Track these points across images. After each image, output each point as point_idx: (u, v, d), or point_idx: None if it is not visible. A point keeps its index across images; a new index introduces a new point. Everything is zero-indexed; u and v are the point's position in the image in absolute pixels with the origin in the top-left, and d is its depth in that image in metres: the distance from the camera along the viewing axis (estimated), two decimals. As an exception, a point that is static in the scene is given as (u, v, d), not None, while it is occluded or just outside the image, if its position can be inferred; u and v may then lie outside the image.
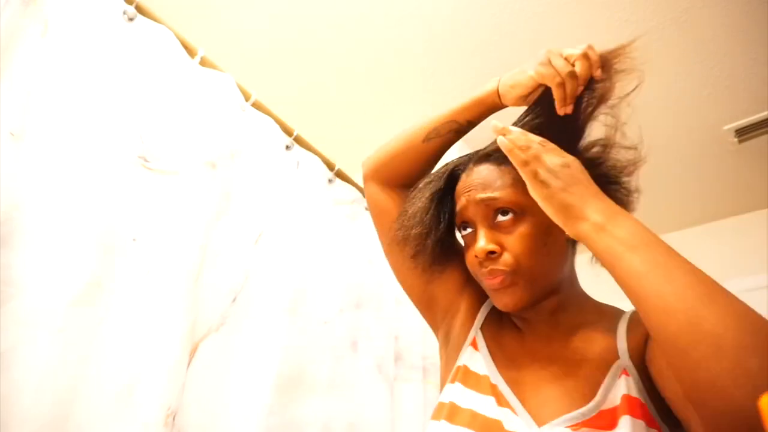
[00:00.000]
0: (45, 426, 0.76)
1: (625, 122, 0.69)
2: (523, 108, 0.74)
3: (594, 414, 0.56)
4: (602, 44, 0.69)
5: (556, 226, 0.67)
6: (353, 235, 1.59)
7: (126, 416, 0.86)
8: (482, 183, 0.68)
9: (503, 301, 0.66)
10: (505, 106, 0.76)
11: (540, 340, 0.70)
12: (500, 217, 0.66)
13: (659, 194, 2.46)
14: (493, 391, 0.64)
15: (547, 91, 0.69)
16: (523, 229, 0.65)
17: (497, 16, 1.79)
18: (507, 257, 0.65)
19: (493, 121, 0.64)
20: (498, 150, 0.71)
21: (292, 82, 2.10)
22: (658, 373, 0.56)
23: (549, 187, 0.59)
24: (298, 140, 1.48)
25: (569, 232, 0.59)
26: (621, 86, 0.68)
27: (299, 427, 1.20)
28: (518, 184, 0.66)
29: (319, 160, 1.54)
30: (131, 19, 1.09)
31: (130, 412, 0.86)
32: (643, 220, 0.56)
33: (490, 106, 0.76)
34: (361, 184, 1.70)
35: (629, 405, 0.55)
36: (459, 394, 0.66)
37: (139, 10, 1.11)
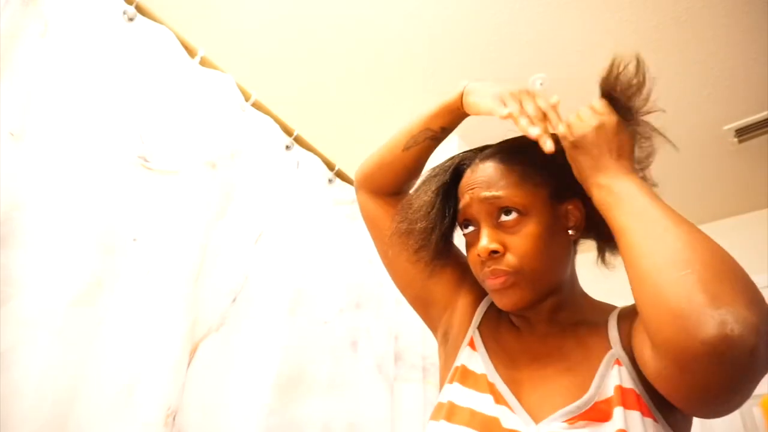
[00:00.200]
0: (45, 426, 0.76)
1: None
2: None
3: (589, 406, 0.57)
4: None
5: (560, 226, 0.67)
6: (353, 235, 1.59)
7: (126, 416, 0.86)
8: (487, 181, 0.68)
9: (504, 301, 0.66)
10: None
11: (537, 338, 0.70)
12: (504, 217, 0.66)
13: (659, 194, 2.45)
14: (491, 389, 0.64)
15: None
16: (526, 229, 0.65)
17: (497, 16, 1.79)
18: (510, 257, 0.64)
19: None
20: (504, 148, 0.70)
21: (292, 82, 2.10)
22: (636, 346, 0.57)
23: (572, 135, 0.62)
24: (298, 140, 1.48)
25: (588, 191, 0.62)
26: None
27: (299, 427, 1.20)
28: (523, 183, 0.66)
29: (319, 160, 1.54)
30: (131, 19, 1.09)
31: (130, 412, 0.86)
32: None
33: (458, 113, 0.75)
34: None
35: (623, 396, 0.55)
36: (457, 394, 0.66)
37: (139, 10, 1.11)
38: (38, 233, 0.83)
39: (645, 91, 0.64)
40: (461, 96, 0.73)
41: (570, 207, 0.68)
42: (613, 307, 0.69)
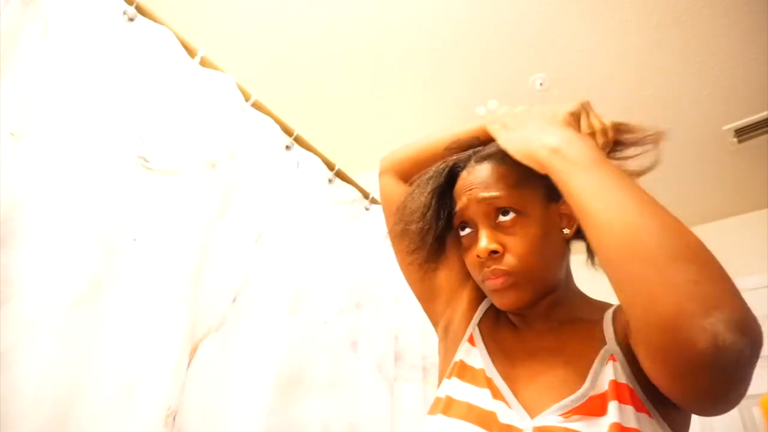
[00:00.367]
0: (45, 426, 0.76)
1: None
2: None
3: (584, 400, 0.57)
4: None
5: (555, 226, 0.68)
6: (353, 235, 1.59)
7: (126, 416, 0.86)
8: (484, 182, 0.69)
9: (503, 301, 0.67)
10: None
11: (534, 335, 0.70)
12: (501, 217, 0.67)
13: (658, 194, 2.45)
14: (489, 384, 0.65)
15: None
16: (524, 229, 0.66)
17: (498, 16, 1.80)
18: (509, 258, 0.65)
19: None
20: (499, 150, 0.71)
21: (292, 82, 2.10)
22: (632, 342, 0.57)
23: (508, 128, 0.67)
24: (298, 140, 1.48)
25: (535, 166, 0.62)
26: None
27: (299, 427, 1.20)
28: (520, 184, 0.67)
29: (319, 160, 1.54)
30: (131, 20, 1.09)
31: (130, 412, 0.86)
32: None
33: None
34: (361, 184, 1.72)
35: (617, 390, 0.56)
36: (455, 388, 0.66)
37: (139, 10, 1.11)
38: (38, 233, 0.83)
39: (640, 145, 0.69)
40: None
41: (564, 207, 0.69)
42: (609, 305, 0.70)
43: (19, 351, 0.77)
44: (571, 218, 0.69)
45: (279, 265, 1.27)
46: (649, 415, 0.55)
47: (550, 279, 0.68)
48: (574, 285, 0.74)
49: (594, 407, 0.56)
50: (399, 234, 0.78)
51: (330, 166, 1.58)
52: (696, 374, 0.46)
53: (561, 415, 0.57)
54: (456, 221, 0.73)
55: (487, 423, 0.60)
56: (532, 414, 0.59)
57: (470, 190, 0.69)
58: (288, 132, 1.45)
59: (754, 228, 2.53)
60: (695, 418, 0.60)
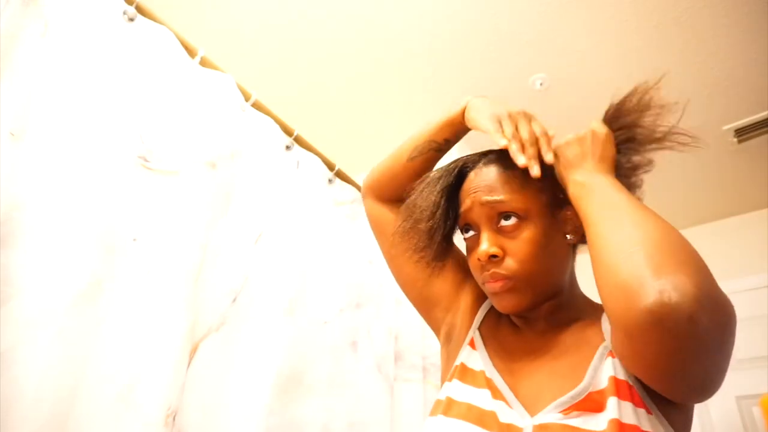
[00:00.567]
0: (45, 426, 0.76)
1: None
2: None
3: (583, 397, 0.57)
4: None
5: (558, 231, 0.69)
6: (353, 235, 1.59)
7: (126, 416, 0.86)
8: (488, 185, 0.69)
9: (503, 305, 0.67)
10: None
11: (535, 335, 0.71)
12: (504, 221, 0.67)
13: (658, 194, 2.46)
14: (489, 384, 0.65)
15: None
16: (526, 234, 0.66)
17: (498, 16, 1.80)
18: (509, 262, 0.66)
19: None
20: (507, 154, 0.71)
21: (292, 82, 2.10)
22: None
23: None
24: (298, 140, 1.48)
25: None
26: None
27: (299, 427, 1.20)
28: (524, 189, 0.68)
29: (319, 160, 1.54)
30: (131, 20, 1.09)
31: (130, 412, 0.86)
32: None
33: (461, 127, 0.79)
34: (361, 183, 1.71)
35: (616, 386, 0.56)
36: (456, 390, 0.67)
37: (140, 10, 1.11)
38: (38, 233, 0.83)
39: (650, 114, 0.71)
40: (464, 110, 0.77)
41: (569, 213, 0.69)
42: None
43: (19, 351, 0.77)
44: (575, 224, 0.69)
45: (279, 265, 1.27)
46: (649, 412, 0.55)
47: (552, 283, 0.69)
48: (578, 289, 0.74)
49: (593, 403, 0.56)
50: (408, 230, 0.79)
51: (330, 166, 1.58)
52: (643, 331, 0.48)
53: (560, 411, 0.57)
54: (460, 223, 0.73)
55: (487, 423, 0.60)
56: (532, 412, 0.60)
57: (475, 192, 0.70)
58: (288, 132, 1.45)
59: (754, 228, 2.53)
60: (695, 418, 0.60)
